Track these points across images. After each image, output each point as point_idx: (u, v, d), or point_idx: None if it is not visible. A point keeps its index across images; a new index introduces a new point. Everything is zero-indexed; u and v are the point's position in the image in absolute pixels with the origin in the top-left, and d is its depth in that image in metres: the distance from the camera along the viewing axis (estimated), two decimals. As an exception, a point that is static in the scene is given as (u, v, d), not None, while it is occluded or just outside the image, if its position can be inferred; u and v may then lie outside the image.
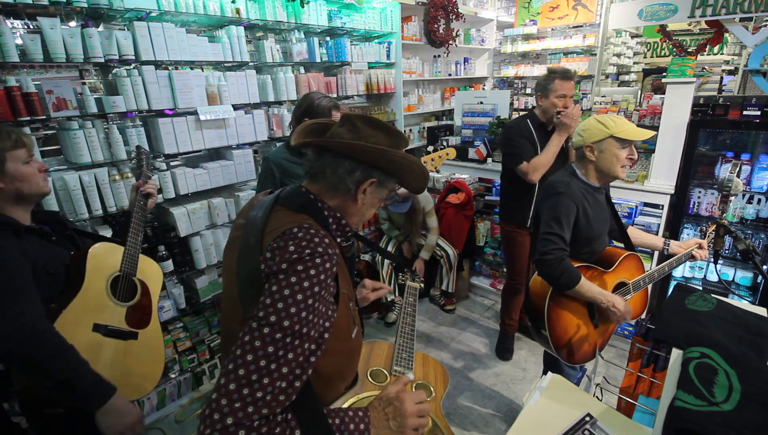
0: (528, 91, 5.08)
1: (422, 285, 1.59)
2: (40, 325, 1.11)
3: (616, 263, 1.64)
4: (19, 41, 1.70)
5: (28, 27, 1.78)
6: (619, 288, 1.65)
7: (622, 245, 1.81)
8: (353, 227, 0.96)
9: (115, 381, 1.25)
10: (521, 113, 2.50)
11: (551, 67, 2.37)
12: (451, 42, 4.02)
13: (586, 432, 1.02)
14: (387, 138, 0.88)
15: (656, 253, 2.61)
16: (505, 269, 3.41)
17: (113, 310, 1.36)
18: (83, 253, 1.33)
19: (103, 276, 1.36)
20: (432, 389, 1.19)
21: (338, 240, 0.93)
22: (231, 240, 0.95)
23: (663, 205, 2.55)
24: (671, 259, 1.70)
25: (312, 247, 0.75)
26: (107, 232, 1.79)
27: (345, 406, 0.95)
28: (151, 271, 1.54)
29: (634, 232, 1.87)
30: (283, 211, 0.87)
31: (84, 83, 1.98)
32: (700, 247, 1.72)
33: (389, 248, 3.18)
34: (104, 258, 1.38)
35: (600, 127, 1.54)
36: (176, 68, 2.19)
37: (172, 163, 2.27)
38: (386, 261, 3.08)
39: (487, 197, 3.46)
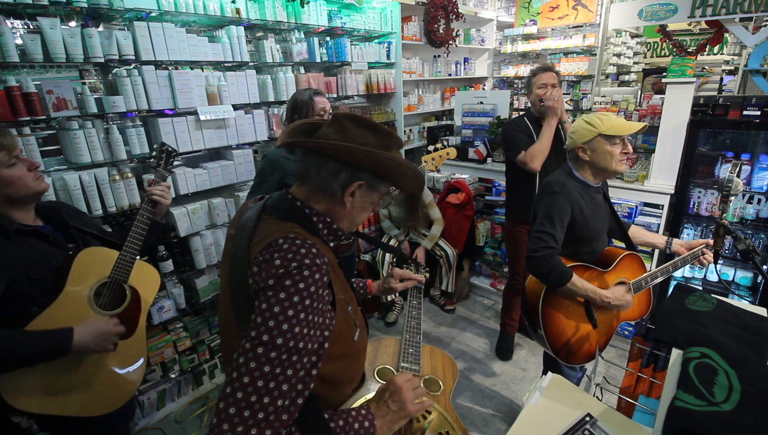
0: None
1: (427, 275, 1.53)
2: None
3: (615, 262, 1.64)
4: (19, 41, 1.70)
5: (28, 27, 1.78)
6: (619, 288, 1.64)
7: (622, 245, 1.81)
8: (345, 231, 0.93)
9: (83, 392, 1.26)
10: (521, 113, 2.54)
11: (533, 67, 2.48)
12: (451, 42, 4.02)
13: (586, 432, 1.02)
14: (376, 138, 0.84)
15: (656, 253, 2.61)
16: (505, 269, 3.42)
17: (94, 318, 1.30)
18: (72, 257, 1.28)
19: (88, 282, 1.30)
20: (440, 383, 1.18)
21: (331, 244, 0.91)
22: (224, 252, 0.93)
23: (663, 205, 2.55)
24: (676, 260, 1.69)
25: (299, 260, 0.72)
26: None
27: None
28: (146, 279, 1.47)
29: (635, 231, 1.87)
30: (270, 220, 0.84)
31: (84, 83, 1.98)
32: (707, 247, 1.71)
33: (389, 248, 3.17)
34: (93, 263, 1.32)
35: (588, 127, 1.57)
36: (176, 68, 2.18)
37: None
38: (386, 261, 3.08)
39: (487, 197, 3.46)
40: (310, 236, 0.82)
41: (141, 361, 1.43)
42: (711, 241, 1.71)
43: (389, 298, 3.12)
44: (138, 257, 1.43)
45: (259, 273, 0.73)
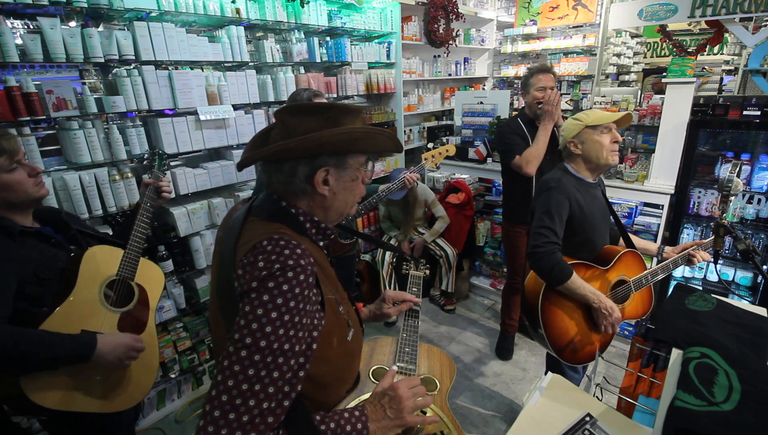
0: (528, 91, 5.07)
1: (427, 272, 1.51)
2: None
3: (614, 260, 1.64)
4: (19, 41, 1.70)
5: (28, 27, 1.78)
6: (619, 286, 1.65)
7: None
8: (335, 221, 0.91)
9: (104, 389, 1.26)
10: (514, 114, 2.53)
11: (530, 66, 2.46)
12: (451, 42, 4.02)
13: (586, 432, 1.02)
14: (319, 119, 0.81)
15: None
16: (505, 269, 3.42)
17: (105, 316, 1.31)
18: (79, 257, 1.29)
19: (97, 280, 1.32)
20: (437, 382, 1.17)
21: (321, 243, 0.90)
22: (213, 254, 0.92)
23: (663, 205, 2.55)
24: (676, 257, 1.70)
25: (282, 261, 0.71)
26: (107, 232, 1.78)
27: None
28: (151, 275, 1.49)
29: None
30: (257, 222, 0.83)
31: (84, 83, 1.98)
32: (696, 249, 1.71)
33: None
34: (100, 261, 1.34)
35: (574, 122, 1.66)
36: (176, 68, 2.18)
37: (172, 163, 2.27)
38: (386, 261, 3.08)
39: (487, 197, 3.46)
40: (298, 236, 0.81)
41: (155, 355, 1.45)
42: (703, 243, 1.71)
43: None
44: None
45: (243, 275, 0.73)
